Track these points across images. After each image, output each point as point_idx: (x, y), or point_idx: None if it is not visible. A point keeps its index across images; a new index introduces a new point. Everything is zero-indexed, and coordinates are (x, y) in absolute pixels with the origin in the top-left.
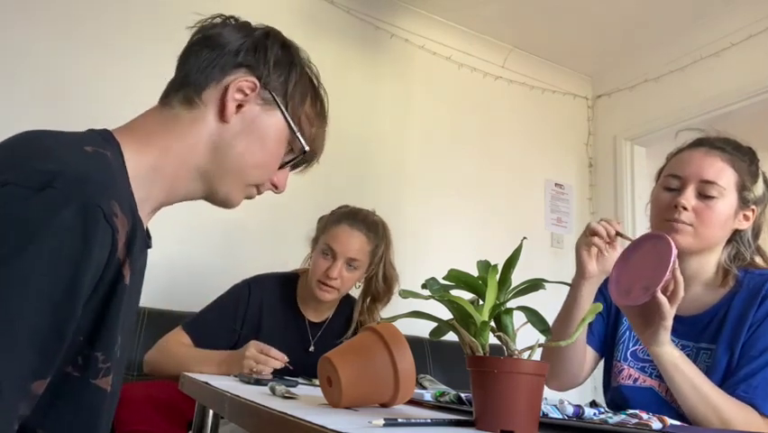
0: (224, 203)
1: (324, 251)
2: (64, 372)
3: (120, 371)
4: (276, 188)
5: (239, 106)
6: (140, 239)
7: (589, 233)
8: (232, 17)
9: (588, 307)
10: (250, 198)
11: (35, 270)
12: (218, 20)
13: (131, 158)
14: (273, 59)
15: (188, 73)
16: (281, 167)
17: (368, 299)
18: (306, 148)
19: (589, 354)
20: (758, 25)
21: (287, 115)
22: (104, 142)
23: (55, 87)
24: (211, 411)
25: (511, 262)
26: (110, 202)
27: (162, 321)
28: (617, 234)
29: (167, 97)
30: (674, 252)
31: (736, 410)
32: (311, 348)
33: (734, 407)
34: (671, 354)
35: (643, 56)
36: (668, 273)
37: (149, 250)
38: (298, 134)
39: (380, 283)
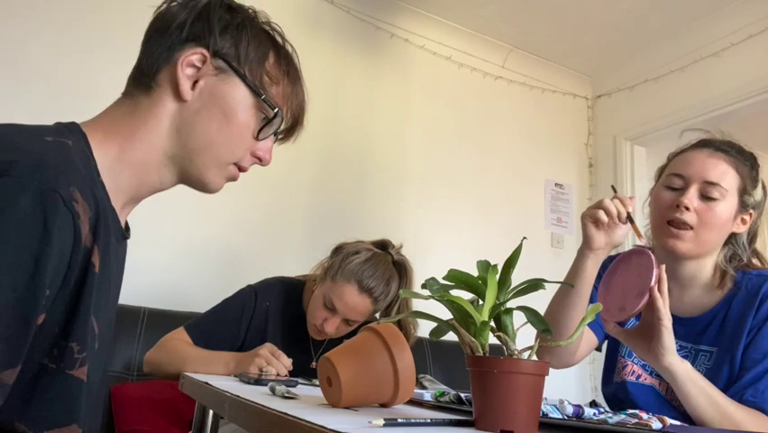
0: (202, 187)
1: (325, 303)
2: (40, 364)
3: (100, 362)
4: (260, 160)
5: (195, 83)
6: (110, 228)
7: (598, 207)
8: None
9: (592, 280)
10: (233, 179)
11: None
12: (165, 3)
13: (97, 148)
14: (220, 25)
15: (141, 60)
16: (260, 138)
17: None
18: (275, 109)
19: (587, 334)
20: (758, 25)
21: (246, 78)
22: (67, 132)
23: (57, 86)
24: (211, 411)
25: (511, 262)
26: (69, 188)
27: (162, 321)
28: (628, 217)
29: (127, 88)
30: (652, 255)
31: (748, 417)
32: (313, 364)
33: (745, 414)
34: (682, 368)
35: (643, 56)
36: (655, 269)
37: (140, 251)
38: (263, 96)
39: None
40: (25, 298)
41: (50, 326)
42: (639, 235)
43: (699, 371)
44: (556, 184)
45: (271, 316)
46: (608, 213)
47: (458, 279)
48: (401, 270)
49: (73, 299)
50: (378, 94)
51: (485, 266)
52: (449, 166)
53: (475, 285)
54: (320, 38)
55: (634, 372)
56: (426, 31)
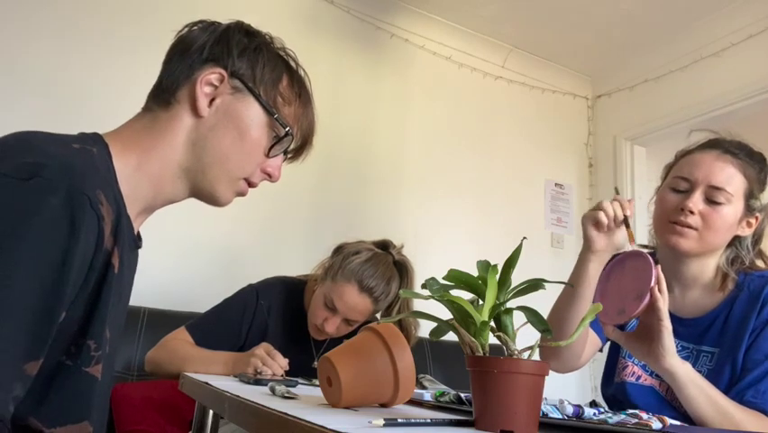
0: (212, 200)
1: (326, 303)
2: (58, 361)
3: (109, 365)
4: (270, 177)
5: (212, 100)
6: (127, 233)
7: (597, 209)
8: (202, 21)
9: (595, 282)
10: (242, 194)
11: (25, 254)
12: (187, 27)
13: (117, 158)
14: (238, 48)
15: (162, 77)
16: (270, 155)
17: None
18: (287, 128)
19: (591, 336)
20: (758, 25)
21: (260, 98)
22: (91, 141)
23: (57, 89)
24: (211, 411)
25: (511, 262)
26: (95, 191)
27: (162, 321)
28: (624, 221)
29: (147, 103)
30: (650, 258)
31: (748, 418)
32: (314, 363)
33: (745, 415)
34: (683, 370)
35: (643, 56)
36: (654, 270)
37: (140, 251)
38: (276, 116)
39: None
40: (51, 293)
41: (69, 323)
42: (632, 240)
43: (700, 372)
44: (556, 184)
45: (272, 315)
46: (605, 213)
47: (458, 279)
48: (402, 270)
49: (92, 298)
50: (377, 94)
51: (485, 266)
52: (449, 166)
53: (475, 285)
54: (320, 38)
55: (634, 373)
56: (426, 31)
